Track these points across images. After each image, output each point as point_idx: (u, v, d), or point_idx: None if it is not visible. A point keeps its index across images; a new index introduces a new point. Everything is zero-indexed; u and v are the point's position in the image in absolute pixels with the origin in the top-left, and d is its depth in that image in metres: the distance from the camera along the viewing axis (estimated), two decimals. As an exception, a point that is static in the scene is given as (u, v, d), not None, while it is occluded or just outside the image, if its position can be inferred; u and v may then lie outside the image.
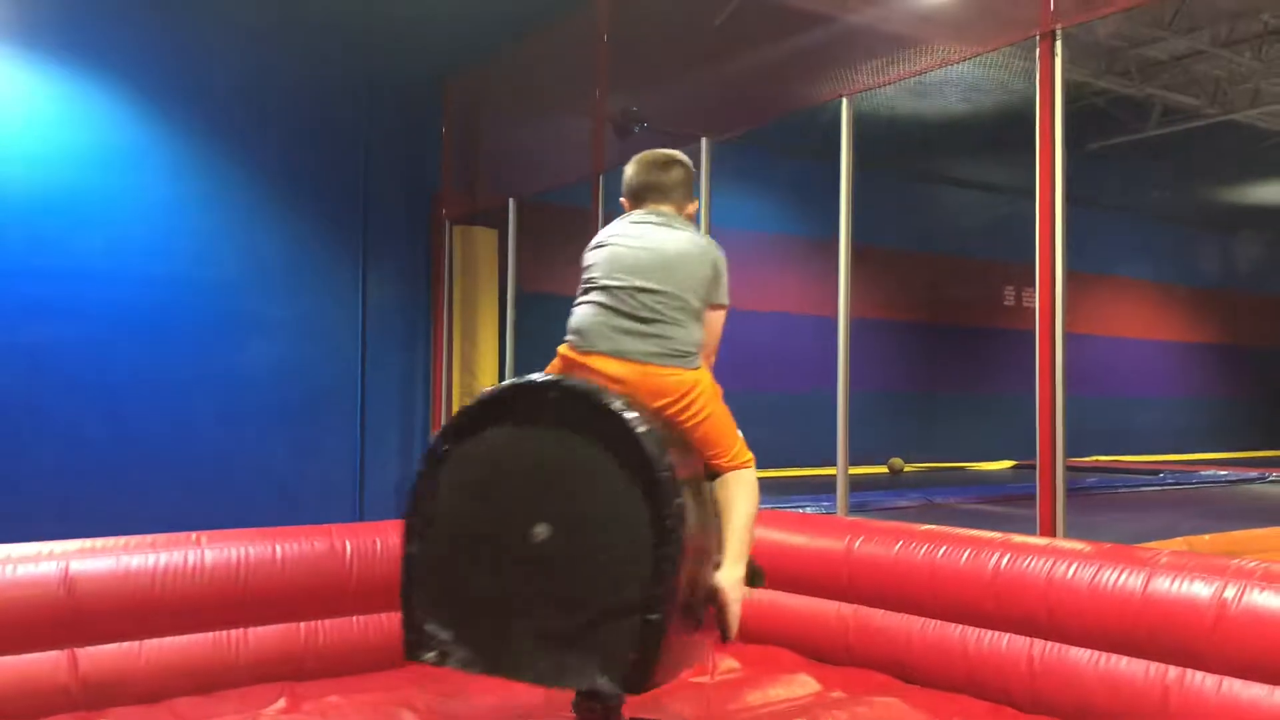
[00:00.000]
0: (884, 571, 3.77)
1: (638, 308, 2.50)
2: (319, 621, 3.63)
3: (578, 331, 2.54)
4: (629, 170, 2.82)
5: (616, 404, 2.20)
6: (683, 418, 2.49)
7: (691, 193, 2.79)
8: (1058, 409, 4.15)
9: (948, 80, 5.97)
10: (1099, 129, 12.37)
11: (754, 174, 10.78)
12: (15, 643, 3.14)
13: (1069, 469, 4.23)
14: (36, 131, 6.94)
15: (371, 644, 3.67)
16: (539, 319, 8.12)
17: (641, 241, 2.62)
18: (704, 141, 5.94)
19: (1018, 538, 3.58)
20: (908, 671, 3.61)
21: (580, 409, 2.21)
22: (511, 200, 7.61)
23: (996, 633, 3.41)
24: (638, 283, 2.53)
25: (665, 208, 2.71)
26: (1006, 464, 13.04)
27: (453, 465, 2.23)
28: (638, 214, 2.72)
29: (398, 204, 8.45)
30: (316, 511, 7.09)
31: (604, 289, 2.54)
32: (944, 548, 3.62)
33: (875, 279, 11.78)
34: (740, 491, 2.52)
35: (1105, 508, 8.61)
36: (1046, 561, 3.32)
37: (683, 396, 2.48)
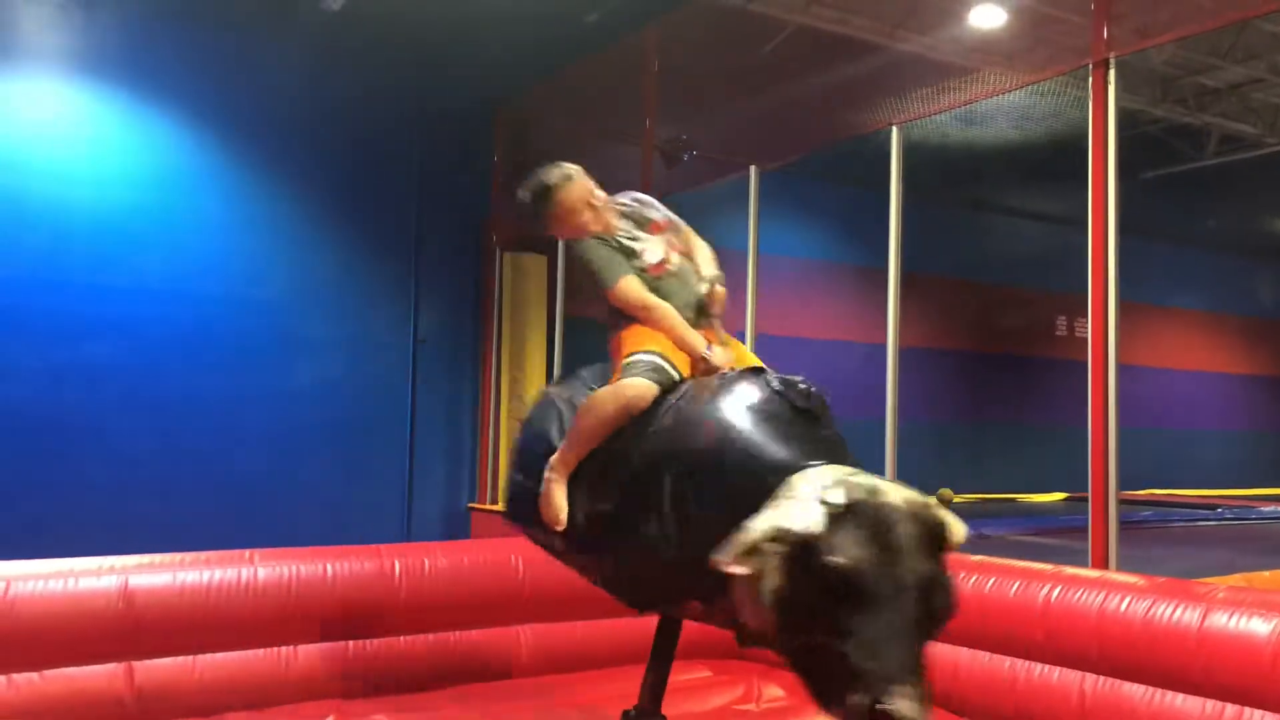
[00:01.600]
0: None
1: None
2: (367, 641, 3.67)
3: None
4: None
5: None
6: None
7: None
8: (1110, 440, 4.10)
9: (1000, 108, 5.94)
10: (1154, 157, 12.22)
11: (803, 202, 10.77)
12: (75, 654, 3.21)
13: (1122, 502, 4.16)
14: (99, 155, 7.15)
15: (419, 663, 3.70)
16: (587, 346, 8.18)
17: None
18: (752, 170, 5.97)
19: (1069, 570, 3.53)
20: (955, 704, 3.56)
21: None
22: (561, 227, 7.66)
23: (1047, 666, 3.36)
24: None
25: None
26: (1058, 496, 12.82)
27: None
28: None
29: (449, 230, 8.56)
30: (364, 532, 7.17)
31: None
32: (993, 579, 3.58)
33: (924, 307, 11.69)
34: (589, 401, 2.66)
35: (1160, 542, 8.43)
36: (1099, 595, 3.27)
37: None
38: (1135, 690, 3.12)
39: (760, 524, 1.98)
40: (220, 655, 3.44)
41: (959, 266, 12.45)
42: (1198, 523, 10.45)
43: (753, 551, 1.95)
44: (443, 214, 8.52)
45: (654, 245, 2.82)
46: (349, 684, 3.55)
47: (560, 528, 2.58)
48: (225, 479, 7.33)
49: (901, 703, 1.81)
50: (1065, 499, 12.59)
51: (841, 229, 11.56)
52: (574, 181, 2.85)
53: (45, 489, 6.74)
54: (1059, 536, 8.56)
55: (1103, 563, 4.04)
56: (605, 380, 2.75)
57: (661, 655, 2.63)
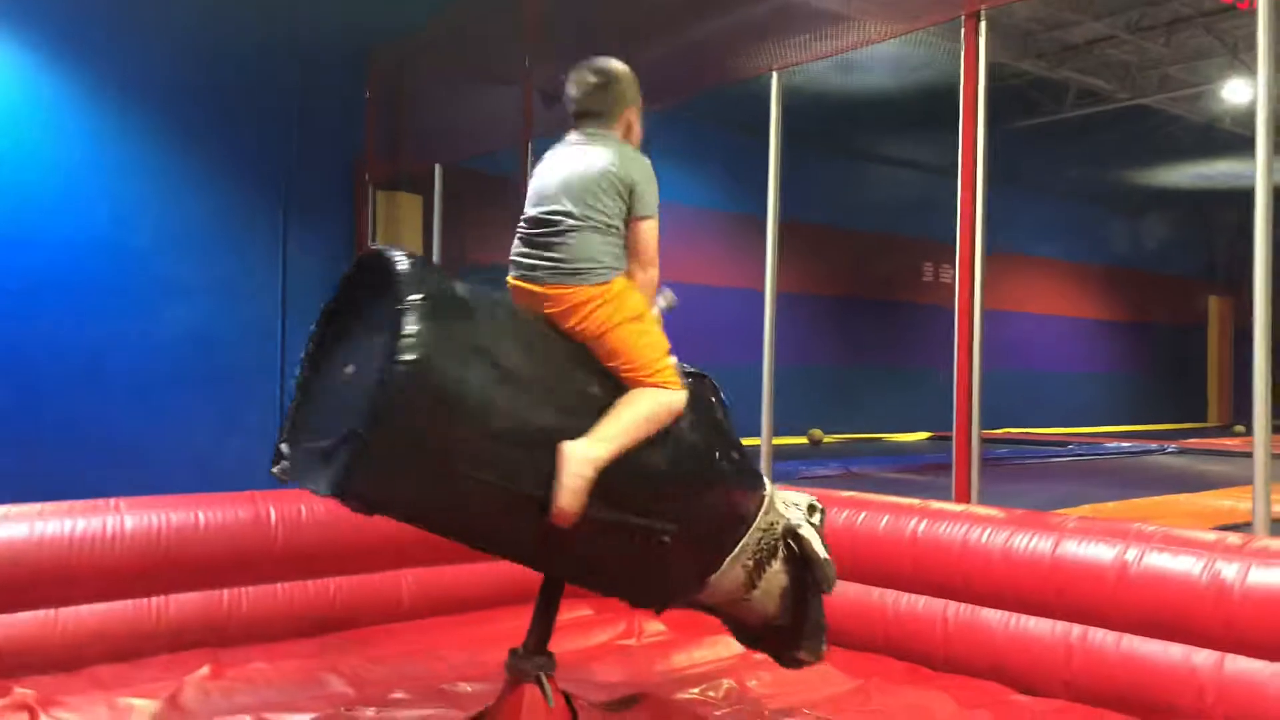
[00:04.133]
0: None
1: (537, 233, 2.57)
2: (243, 588, 3.59)
3: (511, 261, 2.63)
4: (569, 90, 2.77)
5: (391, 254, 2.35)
6: (583, 330, 2.49)
7: (629, 101, 2.70)
8: (974, 381, 4.28)
9: (875, 58, 6.06)
10: (1020, 109, 12.68)
11: (684, 148, 10.80)
12: (-75, 611, 3.05)
13: (981, 440, 4.37)
14: (-59, 88, 6.64)
15: (297, 610, 3.65)
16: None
17: (550, 165, 2.67)
18: (633, 112, 5.94)
19: (935, 504, 3.71)
20: (830, 634, 3.70)
21: (372, 273, 2.39)
22: (437, 166, 7.51)
23: (914, 595, 3.53)
24: (540, 210, 2.59)
25: (595, 127, 2.68)
26: (922, 435, 13.39)
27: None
28: (571, 136, 2.72)
29: (321, 169, 8.27)
30: (237, 481, 6.93)
31: (523, 219, 2.65)
32: (864, 513, 3.73)
33: (799, 254, 11.93)
34: (642, 397, 2.47)
35: (1016, 477, 8.91)
36: (962, 527, 3.44)
37: (575, 311, 2.49)
38: (994, 615, 3.31)
39: (818, 548, 2.74)
40: (86, 607, 3.31)
41: (833, 213, 12.73)
42: (1050, 459, 11.08)
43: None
44: (314, 153, 8.21)
45: None
46: (226, 633, 3.48)
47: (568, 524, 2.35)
48: (91, 429, 6.98)
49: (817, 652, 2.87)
50: (930, 438, 13.16)
51: (724, 176, 11.67)
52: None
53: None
54: (923, 473, 8.96)
55: (966, 497, 4.23)
56: (500, 305, 2.52)
57: (549, 600, 2.63)
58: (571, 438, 2.34)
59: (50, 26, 6.95)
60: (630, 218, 2.58)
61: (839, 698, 3.09)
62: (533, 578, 2.73)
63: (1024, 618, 3.24)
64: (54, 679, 3.07)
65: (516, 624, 3.41)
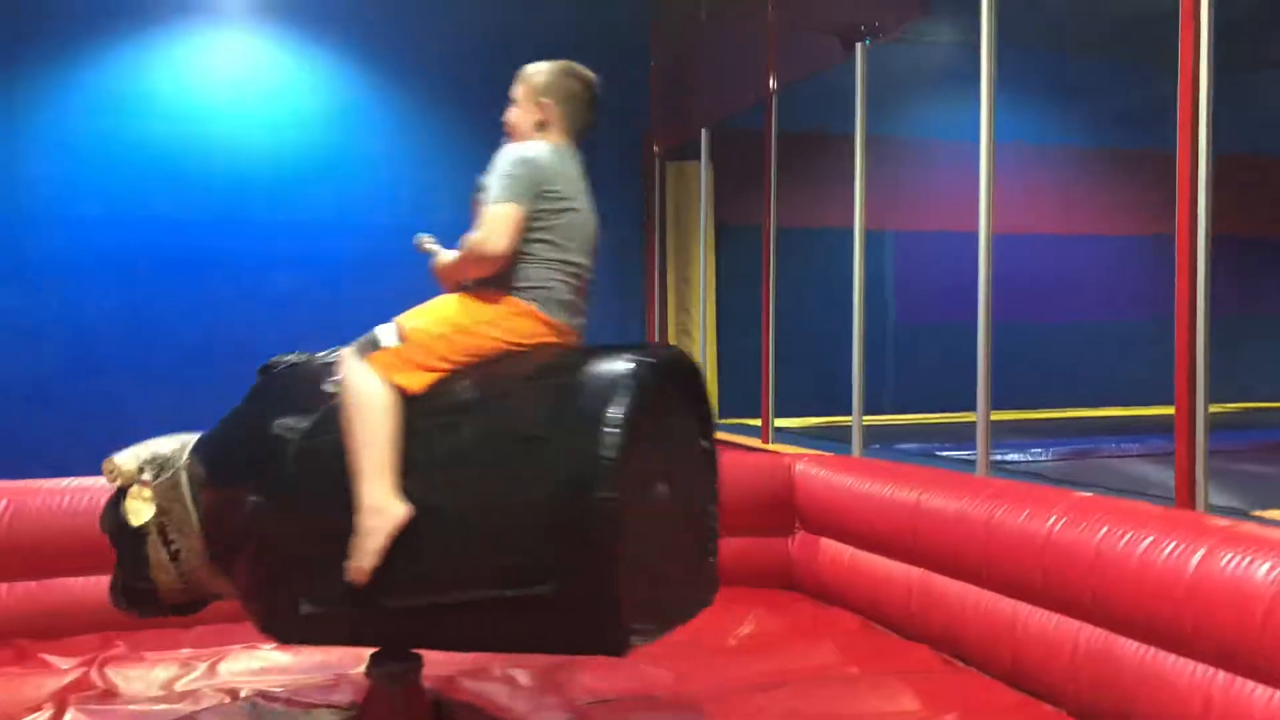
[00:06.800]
0: (946, 531, 3.26)
1: (581, 286, 2.63)
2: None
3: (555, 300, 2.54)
4: (574, 87, 2.58)
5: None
6: None
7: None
8: (1198, 341, 3.29)
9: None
10: None
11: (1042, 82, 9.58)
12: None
13: None
14: (273, 97, 7.63)
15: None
16: (740, 252, 7.85)
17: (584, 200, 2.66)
18: (859, 48, 5.36)
19: (1089, 495, 2.95)
20: (951, 646, 3.12)
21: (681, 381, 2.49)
22: (704, 130, 7.34)
23: (1045, 612, 2.83)
24: (587, 265, 2.61)
25: None
26: (1352, 404, 10.88)
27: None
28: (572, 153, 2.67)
29: (610, 144, 8.41)
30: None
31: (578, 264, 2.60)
32: (1002, 507, 3.05)
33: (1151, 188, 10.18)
34: None
35: None
36: (1100, 529, 2.68)
37: None
38: (1128, 646, 2.56)
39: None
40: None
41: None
42: None
43: None
44: (604, 129, 8.37)
45: None
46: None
47: None
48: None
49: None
50: (1361, 407, 10.67)
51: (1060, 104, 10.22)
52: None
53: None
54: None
55: (1188, 500, 3.27)
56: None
57: None
58: None
59: (359, 36, 7.74)
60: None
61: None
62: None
63: (1158, 652, 2.46)
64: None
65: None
